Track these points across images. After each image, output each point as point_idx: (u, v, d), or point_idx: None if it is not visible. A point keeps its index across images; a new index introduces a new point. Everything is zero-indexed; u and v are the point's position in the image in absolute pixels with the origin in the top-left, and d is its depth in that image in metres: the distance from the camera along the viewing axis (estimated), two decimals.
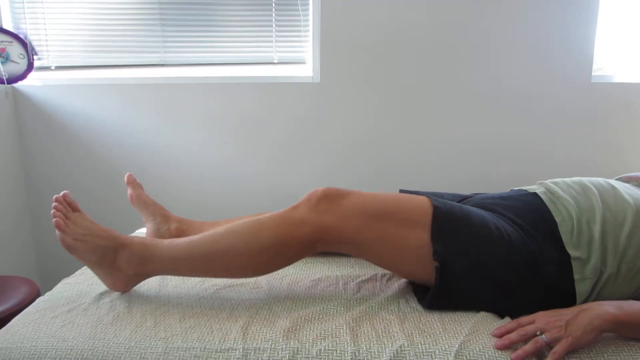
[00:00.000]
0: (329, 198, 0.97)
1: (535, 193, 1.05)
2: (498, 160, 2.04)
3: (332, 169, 2.03)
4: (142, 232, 1.44)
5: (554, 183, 1.07)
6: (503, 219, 0.99)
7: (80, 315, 0.93)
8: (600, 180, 1.05)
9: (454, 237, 0.94)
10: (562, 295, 0.93)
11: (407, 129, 2.00)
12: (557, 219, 0.97)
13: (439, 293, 0.93)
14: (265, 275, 1.12)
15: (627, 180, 1.11)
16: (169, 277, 1.12)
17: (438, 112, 1.99)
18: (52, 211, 1.00)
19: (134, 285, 1.05)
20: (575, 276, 0.92)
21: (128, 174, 1.32)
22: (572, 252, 0.92)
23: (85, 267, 1.19)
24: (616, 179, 1.15)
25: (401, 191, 1.25)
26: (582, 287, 0.92)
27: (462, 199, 1.20)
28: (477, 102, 1.99)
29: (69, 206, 1.03)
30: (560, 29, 1.93)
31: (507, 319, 0.92)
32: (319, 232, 0.95)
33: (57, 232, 0.99)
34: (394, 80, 1.96)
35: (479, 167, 2.04)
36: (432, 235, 0.93)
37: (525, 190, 1.10)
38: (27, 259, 2.04)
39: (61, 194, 1.03)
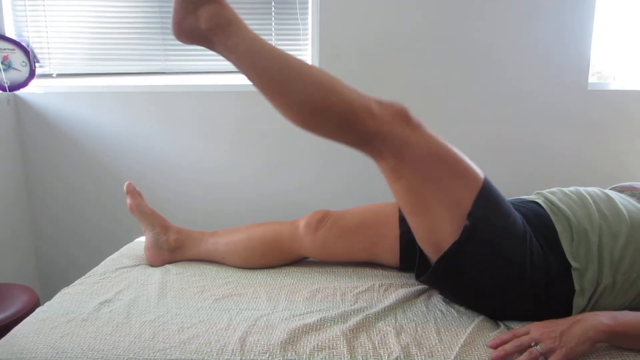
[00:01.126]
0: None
1: (535, 201, 1.06)
2: (495, 164, 2.04)
3: (330, 174, 2.04)
4: (141, 241, 1.45)
5: (551, 193, 1.07)
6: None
7: (79, 326, 0.94)
8: (595, 190, 1.06)
9: (492, 211, 0.94)
10: (559, 305, 0.93)
11: None
12: (558, 228, 0.97)
13: (452, 256, 0.94)
14: (263, 285, 1.13)
15: (621, 189, 1.12)
16: (168, 285, 1.13)
17: (435, 117, 2.00)
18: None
19: (192, 43, 1.00)
20: (576, 287, 0.92)
21: (127, 182, 1.33)
22: (573, 263, 0.93)
23: (85, 276, 1.20)
24: (611, 188, 1.16)
25: None
26: (579, 299, 0.93)
27: None
28: (475, 107, 2.00)
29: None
30: (556, 37, 1.94)
31: (503, 329, 0.92)
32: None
33: None
34: (393, 87, 1.97)
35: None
36: (477, 197, 0.93)
37: (525, 199, 1.10)
38: (27, 267, 2.04)
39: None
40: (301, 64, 0.93)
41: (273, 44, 0.96)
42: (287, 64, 0.92)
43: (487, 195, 0.95)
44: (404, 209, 1.02)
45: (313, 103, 0.92)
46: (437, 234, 0.97)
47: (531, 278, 0.93)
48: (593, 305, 0.94)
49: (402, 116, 0.96)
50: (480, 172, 0.98)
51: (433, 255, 1.00)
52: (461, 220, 0.93)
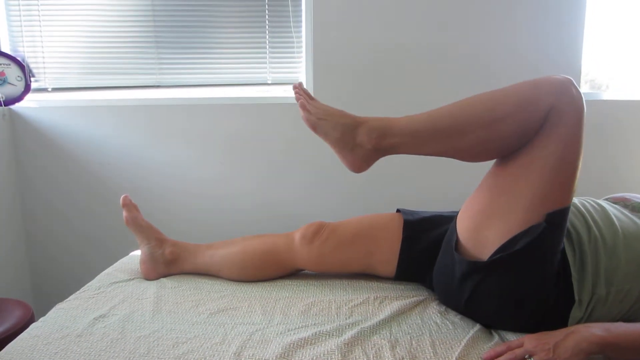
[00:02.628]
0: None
1: None
2: None
3: (325, 186, 2.04)
4: (136, 255, 1.45)
5: None
6: None
7: (73, 342, 0.93)
8: (589, 200, 1.07)
9: (561, 225, 0.94)
10: (556, 316, 0.94)
11: None
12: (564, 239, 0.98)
13: (522, 252, 0.92)
14: (258, 299, 1.12)
15: (614, 201, 1.12)
16: (163, 299, 1.13)
17: None
18: (294, 95, 1.12)
19: (372, 163, 1.07)
20: (576, 297, 0.93)
21: (124, 195, 1.33)
22: (574, 273, 0.94)
23: (80, 291, 1.20)
24: (604, 199, 1.16)
25: (398, 210, 1.27)
26: (577, 310, 0.93)
27: None
28: None
29: (306, 93, 1.12)
30: (546, 46, 1.96)
31: (497, 341, 0.93)
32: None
33: (301, 112, 1.09)
34: (387, 100, 1.99)
35: (473, 182, 2.05)
36: (561, 208, 0.93)
37: None
38: (22, 281, 2.03)
39: (298, 82, 1.15)
40: (458, 108, 1.03)
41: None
42: (451, 115, 1.01)
43: (567, 213, 0.95)
44: (494, 172, 1.03)
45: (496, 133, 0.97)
46: (504, 216, 0.96)
47: (549, 289, 0.94)
48: (588, 316, 0.95)
49: (580, 101, 0.98)
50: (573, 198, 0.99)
51: (474, 242, 0.99)
52: (535, 216, 0.92)
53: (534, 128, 0.94)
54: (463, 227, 1.03)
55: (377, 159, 1.07)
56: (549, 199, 0.93)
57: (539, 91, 0.93)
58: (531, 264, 0.93)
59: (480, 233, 0.98)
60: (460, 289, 1.01)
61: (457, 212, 1.23)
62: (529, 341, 0.85)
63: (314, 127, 1.08)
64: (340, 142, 1.05)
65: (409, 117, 1.03)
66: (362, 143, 1.03)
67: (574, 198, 1.07)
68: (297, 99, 1.10)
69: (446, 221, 1.19)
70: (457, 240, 1.03)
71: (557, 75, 0.96)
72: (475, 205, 1.03)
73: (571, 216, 1.01)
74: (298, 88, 1.13)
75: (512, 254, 0.93)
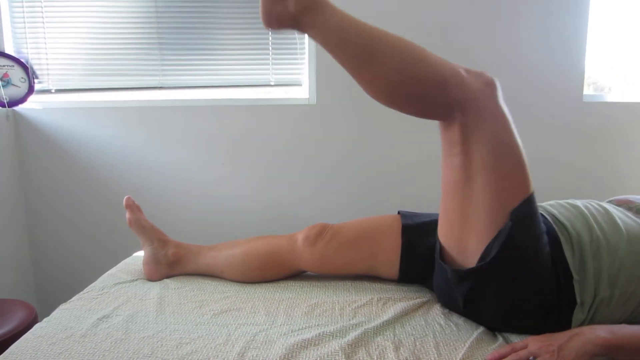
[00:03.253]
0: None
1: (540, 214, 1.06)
2: None
3: (327, 188, 2.05)
4: (139, 255, 1.45)
5: (550, 206, 1.08)
6: None
7: (77, 343, 0.93)
8: (593, 202, 1.07)
9: (532, 218, 0.94)
10: (558, 318, 0.94)
11: (402, 148, 2.02)
12: (562, 240, 0.97)
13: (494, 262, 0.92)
14: (262, 300, 1.12)
15: (618, 203, 1.12)
16: (167, 300, 1.13)
17: (433, 130, 2.01)
18: None
19: (282, 28, 1.01)
20: (577, 299, 0.93)
21: (126, 197, 1.33)
22: (575, 275, 0.94)
23: (83, 291, 1.20)
24: (608, 202, 1.16)
25: (399, 212, 1.27)
26: (579, 312, 0.93)
27: None
28: None
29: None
30: (550, 48, 1.96)
31: (501, 342, 0.93)
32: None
33: None
34: None
35: None
36: (524, 200, 0.92)
37: None
38: (25, 282, 2.04)
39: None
40: (390, 36, 0.94)
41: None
42: (377, 36, 0.93)
43: (532, 202, 0.94)
44: (446, 188, 1.00)
45: (405, 73, 0.91)
46: (473, 225, 0.95)
47: (548, 290, 0.93)
48: (591, 318, 0.94)
49: (491, 87, 0.96)
50: (532, 183, 0.97)
51: (457, 251, 0.98)
52: (501, 217, 0.92)
53: (437, 111, 0.95)
54: (442, 236, 1.03)
55: (290, 28, 0.99)
56: (507, 196, 0.92)
57: (454, 81, 0.92)
58: (514, 266, 0.93)
59: (460, 242, 0.98)
60: (456, 294, 1.01)
61: None
62: (533, 343, 0.85)
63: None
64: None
65: (347, 14, 0.96)
66: (287, 3, 0.95)
67: (576, 200, 1.07)
68: None
69: None
70: (441, 248, 1.03)
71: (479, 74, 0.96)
72: (448, 214, 1.01)
73: (572, 217, 1.00)
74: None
75: (491, 262, 0.92)
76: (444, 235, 1.03)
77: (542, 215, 1.05)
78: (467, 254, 0.96)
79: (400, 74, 0.91)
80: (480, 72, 0.97)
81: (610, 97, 2.09)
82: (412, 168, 2.04)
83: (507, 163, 0.94)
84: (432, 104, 0.95)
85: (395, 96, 0.94)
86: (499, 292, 0.95)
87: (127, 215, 1.32)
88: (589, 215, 1.01)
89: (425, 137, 2.02)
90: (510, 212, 0.91)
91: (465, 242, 0.97)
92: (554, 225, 1.00)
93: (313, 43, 1.95)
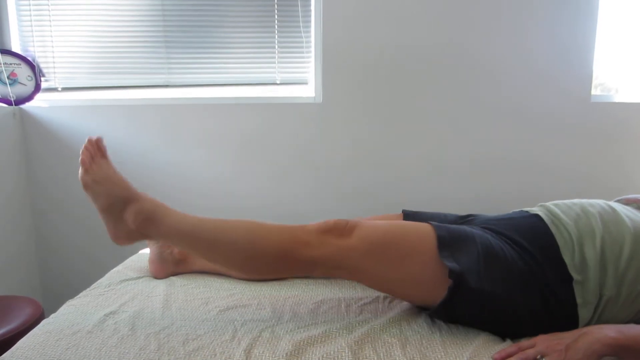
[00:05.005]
0: (338, 230, 0.98)
1: (537, 214, 1.06)
2: (498, 178, 2.05)
3: (333, 187, 2.04)
4: (145, 253, 1.46)
5: (554, 205, 1.07)
6: (506, 242, 1.00)
7: (84, 338, 0.94)
8: (600, 202, 1.06)
9: (462, 257, 0.94)
10: (564, 319, 0.93)
11: (408, 147, 2.02)
12: (560, 242, 0.97)
13: (448, 306, 0.94)
14: (268, 297, 1.12)
15: (626, 202, 1.11)
16: (173, 296, 1.13)
17: (439, 130, 2.01)
18: (81, 150, 1.05)
19: (133, 242, 1.05)
20: (578, 300, 0.92)
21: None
22: (575, 276, 0.93)
23: (90, 288, 1.20)
24: (616, 201, 1.16)
25: (404, 212, 1.26)
26: (584, 311, 0.92)
27: (464, 220, 1.21)
28: (479, 120, 2.00)
29: (98, 150, 1.08)
30: (559, 49, 1.95)
31: (509, 342, 0.92)
32: (320, 258, 0.96)
33: (80, 169, 1.04)
34: (396, 100, 1.99)
35: (481, 184, 2.05)
36: (441, 255, 0.94)
37: (527, 212, 1.10)
38: (32, 280, 2.05)
39: (95, 137, 1.08)
40: (228, 226, 1.00)
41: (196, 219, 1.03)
42: (214, 232, 0.99)
43: (447, 244, 0.96)
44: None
45: (246, 256, 0.98)
46: (428, 302, 0.98)
47: (524, 294, 0.93)
48: (598, 317, 0.94)
49: (333, 230, 0.98)
50: (426, 227, 1.00)
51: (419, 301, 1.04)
52: (437, 284, 0.93)
53: (298, 268, 0.98)
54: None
55: (140, 240, 1.06)
56: (425, 271, 0.95)
57: (298, 245, 0.96)
58: (474, 300, 0.93)
59: (416, 299, 1.03)
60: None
61: (459, 215, 1.24)
62: (541, 342, 0.85)
63: (86, 187, 1.04)
64: (107, 211, 1.04)
65: (183, 215, 1.03)
66: (127, 221, 1.02)
67: (582, 200, 1.07)
68: (83, 153, 1.05)
69: (447, 223, 1.19)
70: None
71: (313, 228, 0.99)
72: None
73: (576, 217, 1.00)
74: (91, 143, 1.07)
75: (444, 304, 0.94)
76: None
77: (537, 216, 1.05)
78: (428, 301, 0.99)
79: (241, 257, 0.98)
80: (317, 225, 0.99)
81: (618, 97, 2.08)
82: (417, 167, 2.03)
83: (396, 257, 0.96)
84: (289, 269, 1.00)
85: (253, 271, 1.02)
86: (478, 317, 0.96)
87: None
88: (594, 213, 1.00)
89: (431, 136, 2.02)
90: (448, 273, 0.92)
91: (419, 299, 1.01)
92: (552, 227, 1.00)
93: (320, 42, 1.95)
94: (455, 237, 0.98)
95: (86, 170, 1.04)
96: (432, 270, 0.94)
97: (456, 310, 0.94)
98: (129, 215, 1.02)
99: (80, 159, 1.04)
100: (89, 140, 1.06)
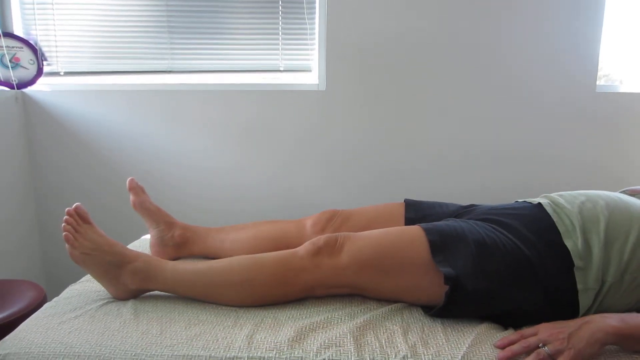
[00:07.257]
0: (329, 248, 1.00)
1: (539, 204, 1.06)
2: (503, 168, 2.04)
3: (337, 175, 2.04)
4: (146, 238, 1.46)
5: (559, 195, 1.07)
6: (504, 232, 1.00)
7: (87, 322, 0.94)
8: (605, 192, 1.06)
9: (456, 260, 0.95)
10: (565, 306, 0.93)
11: (412, 136, 2.01)
12: (561, 229, 0.97)
13: (447, 309, 0.94)
14: None
15: (632, 193, 1.11)
16: None
17: (443, 119, 2.00)
18: (62, 224, 1.04)
19: (138, 296, 1.07)
20: (579, 286, 0.92)
21: (130, 179, 1.32)
22: (577, 262, 0.93)
23: None
24: (621, 192, 1.15)
25: (406, 201, 1.26)
26: (584, 298, 0.92)
27: (465, 209, 1.21)
28: (483, 109, 1.99)
29: (80, 218, 1.06)
30: (565, 39, 1.94)
31: (511, 330, 0.92)
32: (317, 281, 1.00)
33: (66, 245, 1.03)
34: (400, 88, 1.97)
35: (485, 174, 2.05)
36: (436, 261, 0.95)
37: (530, 202, 1.10)
38: (34, 264, 2.05)
39: (73, 206, 1.06)
40: (222, 268, 1.03)
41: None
42: (210, 276, 1.03)
43: (440, 248, 0.96)
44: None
45: (245, 294, 1.02)
46: (431, 303, 0.99)
47: (522, 284, 0.93)
48: (599, 304, 0.94)
49: (324, 249, 1.00)
50: (417, 233, 1.00)
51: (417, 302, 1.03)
52: (438, 285, 0.94)
53: (298, 293, 1.02)
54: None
55: (143, 294, 1.08)
56: (421, 278, 0.97)
57: (294, 272, 0.99)
58: (470, 300, 0.93)
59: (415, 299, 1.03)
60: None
61: (461, 205, 1.23)
62: (543, 330, 0.85)
63: (77, 262, 1.04)
64: (103, 278, 1.05)
65: (175, 265, 1.05)
66: (125, 282, 1.03)
67: (587, 191, 1.06)
68: (65, 229, 1.03)
69: (447, 214, 1.19)
70: None
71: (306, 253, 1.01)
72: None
73: (580, 204, 1.00)
74: (71, 214, 1.05)
75: (443, 308, 0.94)
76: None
77: (539, 205, 1.05)
78: (431, 303, 0.99)
79: (240, 295, 1.02)
80: (307, 248, 1.02)
81: (624, 87, 2.07)
82: (421, 152, 2.03)
83: (390, 266, 0.98)
84: (290, 296, 1.02)
85: (254, 304, 1.02)
86: (475, 312, 0.96)
87: (131, 197, 1.32)
88: (600, 202, 1.00)
89: (434, 125, 2.01)
90: (444, 279, 0.93)
91: (422, 303, 1.01)
92: (553, 215, 1.00)
93: (324, 29, 1.94)
94: (447, 238, 0.98)
95: (72, 246, 1.03)
96: (428, 277, 0.96)
97: (456, 311, 0.95)
98: (126, 278, 1.03)
99: (63, 236, 1.02)
100: (68, 212, 1.05)
